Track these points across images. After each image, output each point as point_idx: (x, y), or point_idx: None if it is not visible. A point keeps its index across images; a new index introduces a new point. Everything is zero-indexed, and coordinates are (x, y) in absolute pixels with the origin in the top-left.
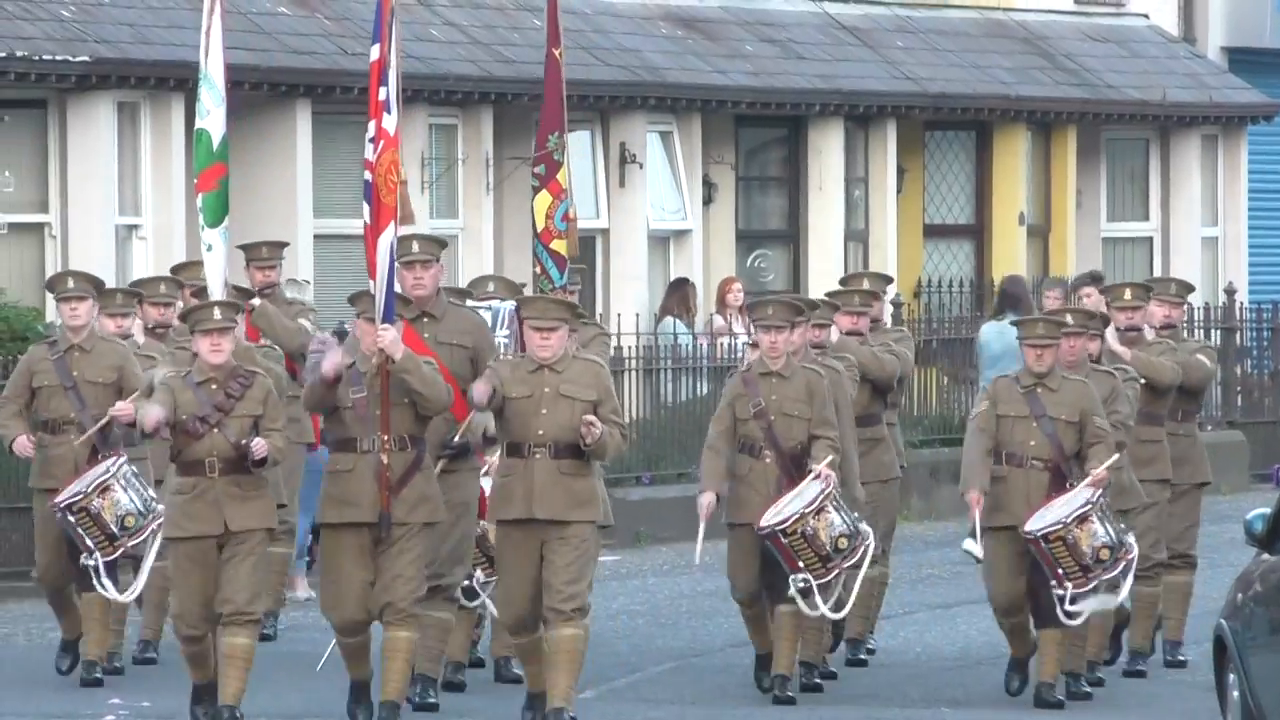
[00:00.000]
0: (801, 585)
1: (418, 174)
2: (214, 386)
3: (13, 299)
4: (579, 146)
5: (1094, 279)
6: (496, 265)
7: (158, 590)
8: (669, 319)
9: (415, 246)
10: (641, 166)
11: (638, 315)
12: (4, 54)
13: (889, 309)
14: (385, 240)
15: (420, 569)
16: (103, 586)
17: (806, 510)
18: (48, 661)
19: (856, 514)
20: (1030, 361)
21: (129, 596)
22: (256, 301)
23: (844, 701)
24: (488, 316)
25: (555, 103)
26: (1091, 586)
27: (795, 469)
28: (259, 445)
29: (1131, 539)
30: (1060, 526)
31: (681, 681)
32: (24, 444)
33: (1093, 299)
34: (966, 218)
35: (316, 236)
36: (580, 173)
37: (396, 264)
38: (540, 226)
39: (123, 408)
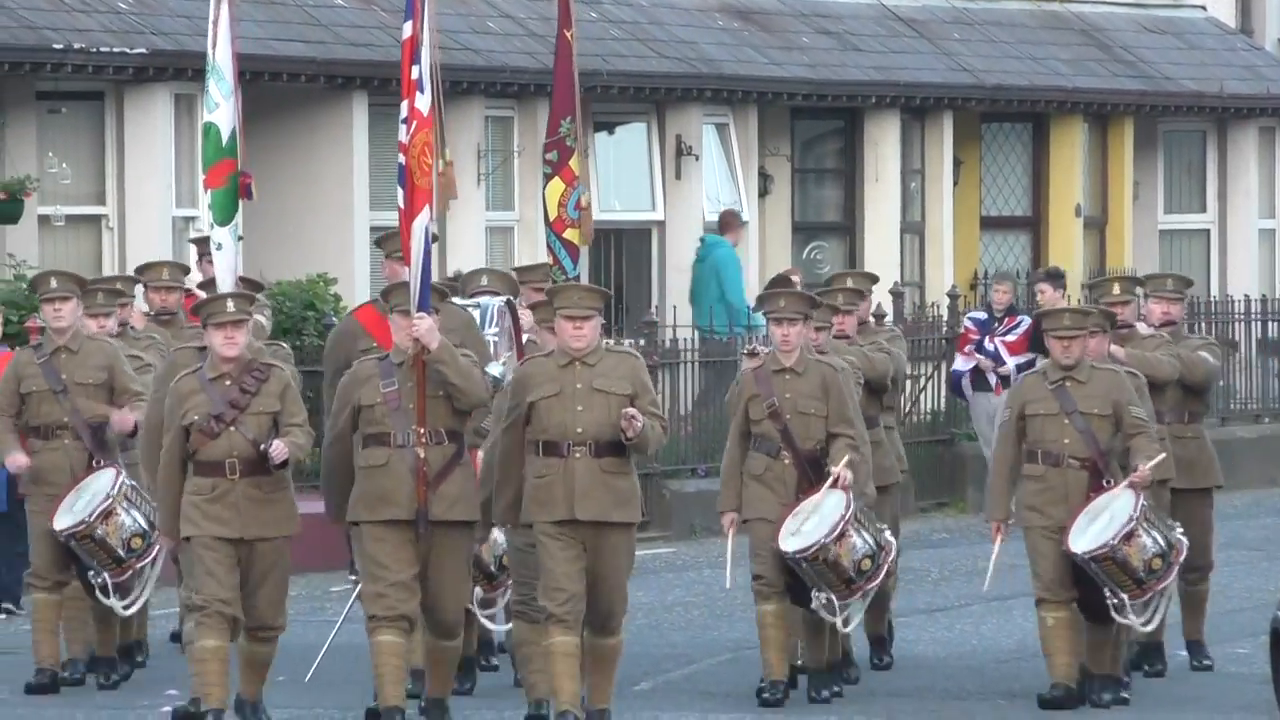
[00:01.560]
0: (824, 602)
1: (474, 165)
2: (228, 382)
3: None
4: (635, 138)
5: (1049, 276)
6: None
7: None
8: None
9: None
10: (697, 158)
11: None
12: (61, 46)
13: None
14: (420, 225)
15: (467, 577)
16: (107, 598)
17: (827, 539)
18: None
19: (880, 524)
20: (1057, 354)
21: (131, 611)
22: (203, 295)
23: (899, 694)
24: (476, 314)
25: (566, 87)
26: (1148, 597)
27: (814, 470)
28: (278, 449)
29: (1179, 534)
30: (1107, 549)
31: (737, 673)
32: (19, 461)
33: (1046, 296)
34: (1023, 210)
35: (373, 229)
36: (636, 165)
37: (387, 259)
38: (553, 215)
39: (121, 418)
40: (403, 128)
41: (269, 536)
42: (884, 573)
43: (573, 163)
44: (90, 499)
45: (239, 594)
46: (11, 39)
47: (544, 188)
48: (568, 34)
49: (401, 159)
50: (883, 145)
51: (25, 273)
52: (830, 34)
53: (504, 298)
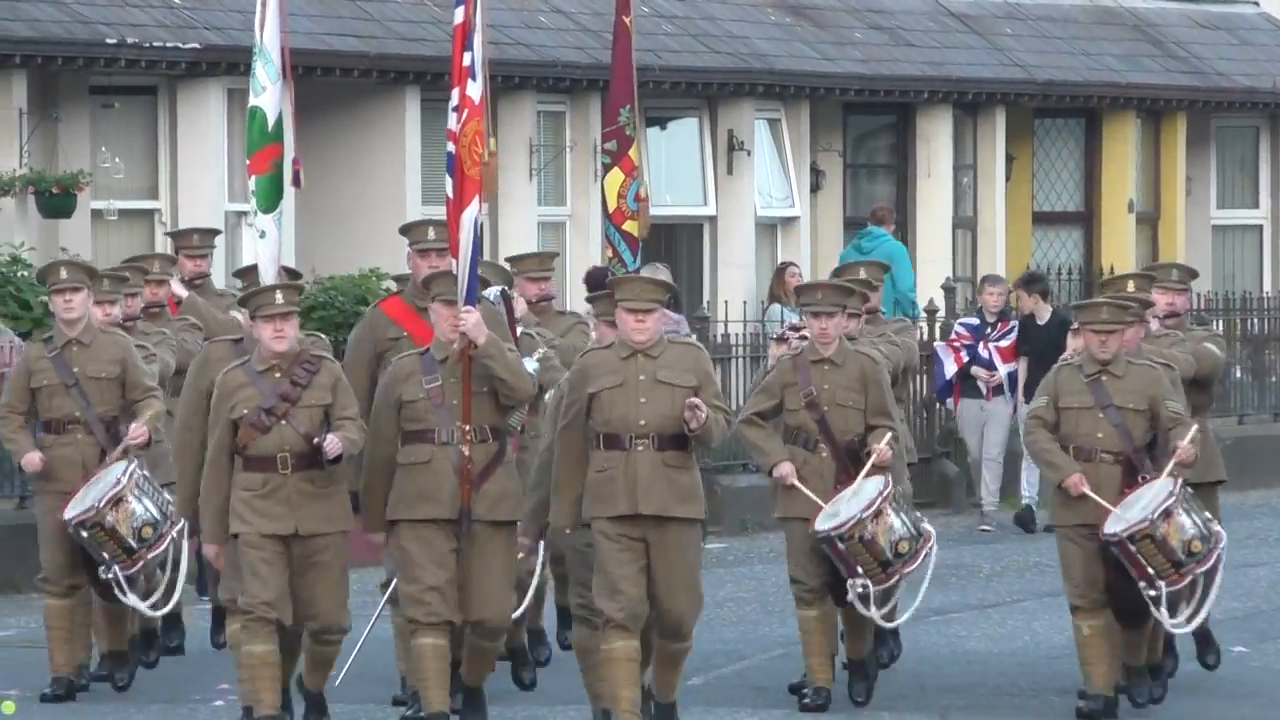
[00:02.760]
0: (860, 591)
1: (525, 160)
2: (278, 375)
3: None
4: (687, 134)
5: (1023, 281)
6: (602, 251)
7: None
8: (775, 306)
9: (432, 233)
10: (749, 154)
11: (745, 303)
12: (115, 41)
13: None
14: (469, 217)
15: (511, 579)
16: (124, 595)
17: (864, 514)
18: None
19: (918, 514)
20: (1094, 348)
21: (161, 612)
22: (184, 292)
23: (951, 689)
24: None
25: (625, 75)
26: (1188, 582)
27: (852, 462)
28: (332, 443)
29: (1218, 527)
30: (1147, 524)
31: (789, 669)
32: (34, 460)
33: (1024, 301)
34: (1075, 205)
35: None
36: (688, 160)
37: (411, 248)
38: (612, 206)
39: (138, 432)
40: (453, 116)
41: (323, 532)
42: (921, 560)
43: (632, 152)
44: (101, 489)
45: (286, 596)
46: (65, 33)
47: (603, 178)
48: (626, 20)
49: (451, 148)
50: (935, 141)
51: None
52: (882, 29)
53: (499, 287)
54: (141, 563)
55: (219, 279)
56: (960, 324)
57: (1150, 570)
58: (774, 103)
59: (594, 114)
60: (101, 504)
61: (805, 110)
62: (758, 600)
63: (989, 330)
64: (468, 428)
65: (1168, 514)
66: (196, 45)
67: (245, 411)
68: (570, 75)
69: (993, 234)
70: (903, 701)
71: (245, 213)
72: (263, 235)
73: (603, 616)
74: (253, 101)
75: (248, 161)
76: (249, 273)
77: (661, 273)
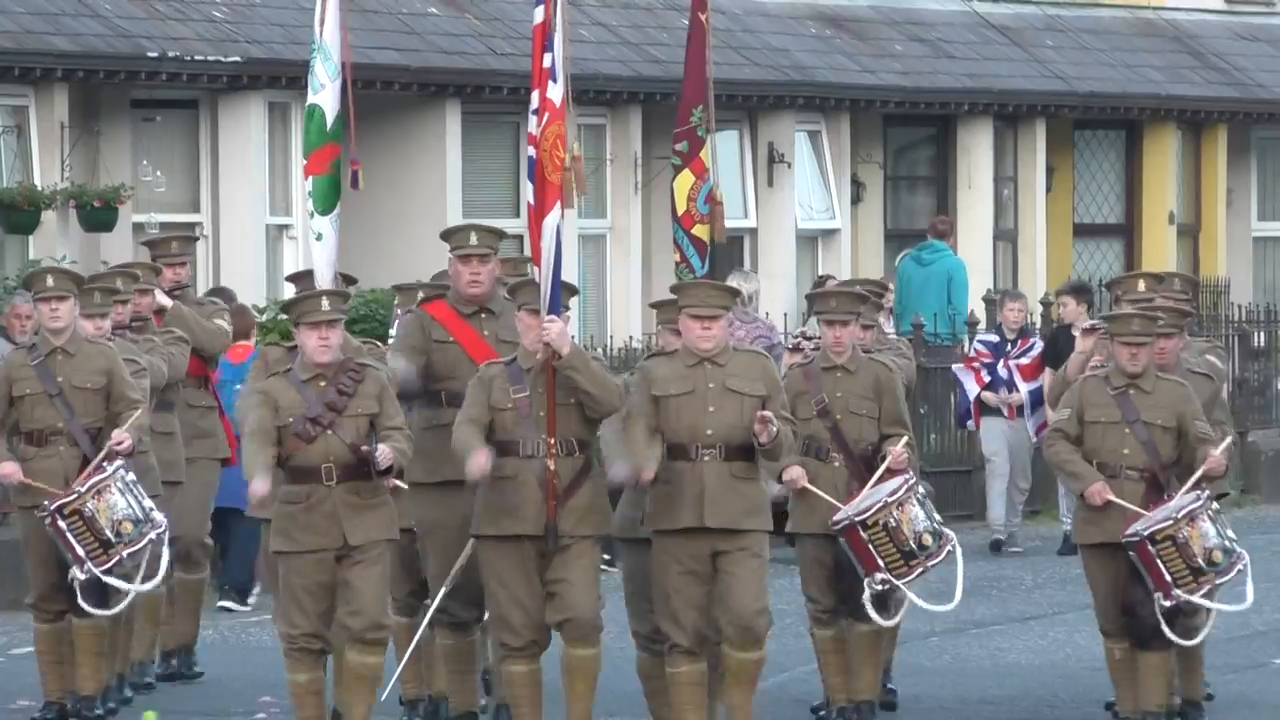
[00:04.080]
0: (879, 587)
1: None
2: (323, 384)
3: None
4: (727, 146)
5: (1075, 289)
6: (644, 265)
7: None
8: (815, 318)
9: (474, 238)
10: (790, 166)
11: (785, 315)
12: (156, 54)
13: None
14: (551, 223)
15: (598, 578)
16: (86, 603)
17: (890, 499)
18: (200, 658)
19: (939, 517)
20: (1123, 361)
21: (114, 611)
22: (169, 302)
23: (991, 702)
24: None
25: (699, 73)
26: (1204, 592)
27: (867, 472)
28: (384, 454)
29: (1239, 548)
30: (1170, 524)
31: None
32: (11, 470)
33: (1069, 309)
34: (1116, 217)
35: None
36: (728, 172)
37: (452, 254)
38: (681, 209)
39: (121, 439)
40: (533, 119)
41: (372, 540)
42: (944, 554)
43: (703, 154)
44: (86, 481)
45: (330, 617)
46: (107, 47)
47: (672, 180)
48: (702, 17)
49: (532, 152)
50: (975, 152)
51: None
52: (923, 41)
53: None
54: (116, 559)
55: (246, 286)
56: (979, 341)
57: (1168, 577)
58: (814, 115)
59: (634, 127)
60: (84, 489)
61: (846, 122)
62: (798, 611)
63: (1009, 347)
64: (553, 441)
65: (1193, 518)
66: (237, 59)
67: (290, 420)
68: (611, 88)
69: (1033, 246)
70: (943, 714)
71: (286, 225)
72: (319, 238)
73: (669, 642)
74: (311, 99)
75: (305, 161)
76: (304, 277)
77: (751, 280)
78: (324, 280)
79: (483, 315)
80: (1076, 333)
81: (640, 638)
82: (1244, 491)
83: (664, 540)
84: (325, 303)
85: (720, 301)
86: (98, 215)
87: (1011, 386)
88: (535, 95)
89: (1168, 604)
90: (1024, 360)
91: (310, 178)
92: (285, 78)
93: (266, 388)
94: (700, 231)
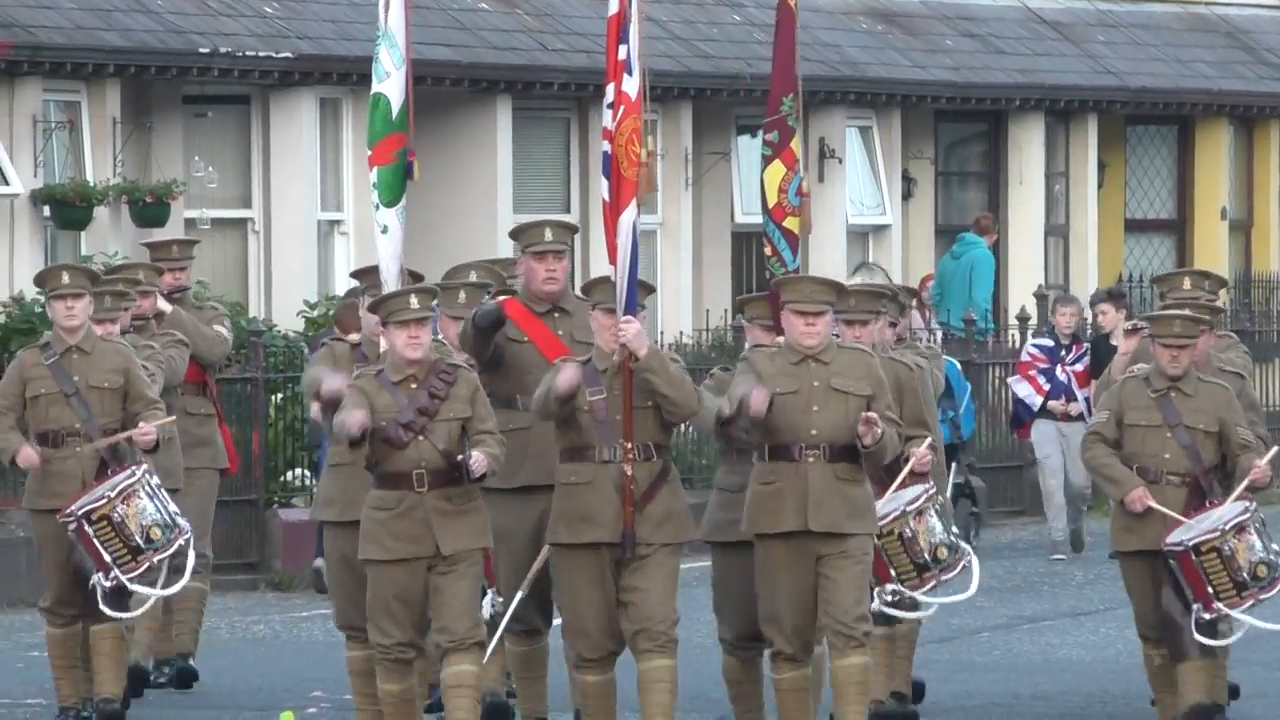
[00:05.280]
0: (889, 599)
1: None
2: (414, 386)
3: (215, 294)
4: None
5: (1111, 295)
6: (695, 260)
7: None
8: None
9: (549, 234)
10: (841, 161)
11: None
12: (208, 50)
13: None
14: (627, 220)
15: (675, 587)
16: (109, 607)
17: (908, 508)
18: (249, 654)
19: (957, 530)
20: (1164, 363)
21: (136, 615)
22: (168, 307)
23: (1042, 698)
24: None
25: (788, 60)
26: (1246, 607)
27: (887, 476)
28: (478, 461)
29: None
30: (1216, 535)
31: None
32: (29, 455)
33: (1108, 318)
34: (1168, 213)
35: None
36: None
37: (524, 253)
38: (772, 202)
39: (145, 431)
40: (608, 113)
41: (465, 549)
42: (959, 569)
43: (794, 144)
44: (112, 483)
45: (423, 625)
46: (158, 43)
47: (762, 171)
48: (790, 2)
49: (607, 147)
50: (1027, 148)
51: None
52: (974, 36)
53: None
54: (146, 565)
55: (297, 282)
56: (1033, 345)
57: (1210, 589)
58: (866, 110)
59: (685, 123)
60: (114, 493)
61: (897, 118)
62: None
63: (1064, 353)
64: (630, 445)
65: (1240, 529)
66: (289, 54)
67: (383, 423)
68: (661, 84)
69: (1085, 242)
70: (995, 710)
71: (338, 221)
72: (384, 231)
73: (773, 648)
74: (375, 88)
75: (369, 152)
76: (368, 273)
77: (876, 274)
78: (389, 276)
79: (556, 314)
80: (1116, 340)
81: (727, 643)
82: None
83: (766, 543)
84: (414, 300)
85: (825, 296)
86: (150, 211)
87: (1071, 394)
88: (610, 89)
89: (1208, 617)
90: (1078, 366)
91: (375, 169)
92: (336, 73)
93: (360, 385)
94: (791, 224)
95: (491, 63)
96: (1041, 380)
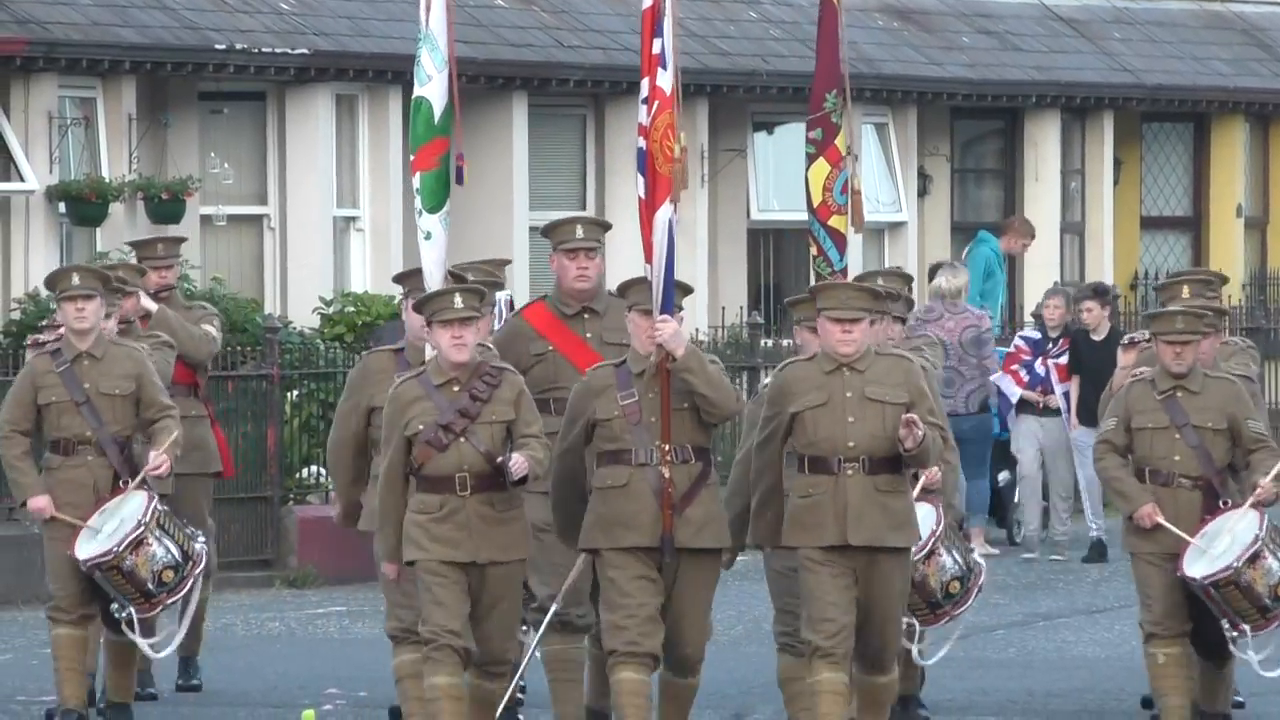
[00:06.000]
0: (904, 628)
1: (632, 167)
2: (456, 388)
3: (231, 291)
4: (793, 139)
5: (1096, 292)
6: (711, 257)
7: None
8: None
9: (580, 231)
10: (856, 158)
11: None
12: (224, 47)
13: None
14: (662, 218)
15: (710, 607)
16: (131, 631)
17: (915, 557)
18: (264, 651)
19: (966, 544)
20: (1168, 361)
21: (163, 654)
22: (154, 306)
23: (1057, 695)
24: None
25: (831, 55)
26: (1275, 627)
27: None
28: (518, 464)
29: None
30: (1230, 571)
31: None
32: (40, 505)
33: (1093, 315)
34: (1184, 210)
35: (532, 229)
36: (795, 165)
37: (556, 251)
38: (817, 200)
39: (158, 461)
40: (642, 109)
41: (502, 560)
42: (973, 598)
43: (838, 141)
44: (118, 525)
45: (469, 623)
46: (174, 39)
47: (806, 170)
48: None
49: (642, 143)
50: (1043, 145)
51: (187, 272)
52: (990, 33)
53: (507, 293)
54: (160, 607)
55: (313, 279)
56: (1021, 337)
57: (1233, 616)
58: (881, 107)
59: (701, 119)
60: (121, 547)
61: (913, 115)
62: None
63: (1049, 346)
64: (667, 447)
65: (1254, 559)
66: (305, 51)
67: (421, 428)
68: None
69: (1100, 239)
70: (1010, 707)
71: (354, 218)
72: (428, 237)
73: (810, 645)
74: (418, 91)
75: (412, 157)
76: (412, 276)
77: (960, 274)
78: (433, 283)
79: (585, 315)
80: (1097, 337)
81: (782, 639)
82: None
83: (807, 551)
84: (459, 300)
85: (862, 303)
86: (165, 207)
87: (1049, 386)
88: (645, 83)
89: (1236, 635)
90: (1062, 360)
91: (418, 174)
92: (352, 70)
93: (398, 393)
94: (837, 223)
95: (508, 59)
96: (1022, 373)
